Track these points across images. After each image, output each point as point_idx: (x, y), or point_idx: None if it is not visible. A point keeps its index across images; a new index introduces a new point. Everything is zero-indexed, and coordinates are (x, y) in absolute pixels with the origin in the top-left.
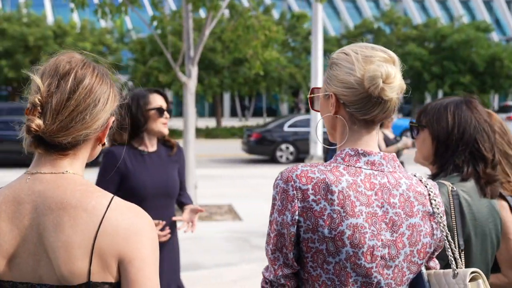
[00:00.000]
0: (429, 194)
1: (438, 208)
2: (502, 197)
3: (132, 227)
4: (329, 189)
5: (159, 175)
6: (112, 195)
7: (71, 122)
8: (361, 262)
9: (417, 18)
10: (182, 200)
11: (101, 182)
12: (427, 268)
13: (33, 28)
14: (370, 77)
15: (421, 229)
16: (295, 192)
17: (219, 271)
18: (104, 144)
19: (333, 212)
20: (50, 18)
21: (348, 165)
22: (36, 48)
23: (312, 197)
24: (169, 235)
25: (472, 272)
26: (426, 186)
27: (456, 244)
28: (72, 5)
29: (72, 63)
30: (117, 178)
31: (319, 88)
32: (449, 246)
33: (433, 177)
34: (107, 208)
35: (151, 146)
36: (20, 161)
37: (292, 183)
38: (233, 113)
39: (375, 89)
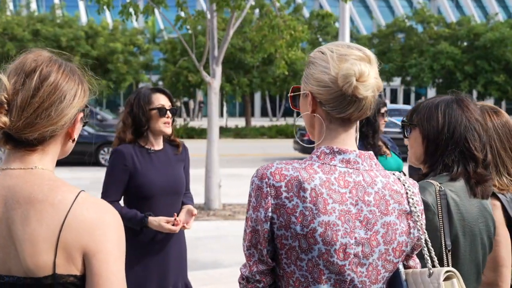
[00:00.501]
0: (406, 193)
1: (415, 207)
2: (495, 196)
3: (97, 221)
4: (301, 187)
5: (166, 172)
6: (80, 190)
7: (37, 118)
8: (334, 260)
9: (451, 16)
10: (183, 200)
11: (109, 181)
12: (407, 267)
13: (65, 29)
14: (343, 75)
15: (396, 228)
16: (268, 189)
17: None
18: (74, 140)
19: (305, 210)
20: (83, 19)
21: (323, 163)
22: (69, 48)
23: (285, 194)
24: (179, 228)
25: (447, 271)
26: (404, 185)
27: (443, 244)
28: (97, 6)
29: (38, 61)
30: (125, 177)
31: (300, 86)
32: (425, 245)
33: (424, 176)
34: (73, 203)
35: (157, 145)
36: (76, 159)
37: (266, 180)
38: (264, 113)
39: (349, 87)
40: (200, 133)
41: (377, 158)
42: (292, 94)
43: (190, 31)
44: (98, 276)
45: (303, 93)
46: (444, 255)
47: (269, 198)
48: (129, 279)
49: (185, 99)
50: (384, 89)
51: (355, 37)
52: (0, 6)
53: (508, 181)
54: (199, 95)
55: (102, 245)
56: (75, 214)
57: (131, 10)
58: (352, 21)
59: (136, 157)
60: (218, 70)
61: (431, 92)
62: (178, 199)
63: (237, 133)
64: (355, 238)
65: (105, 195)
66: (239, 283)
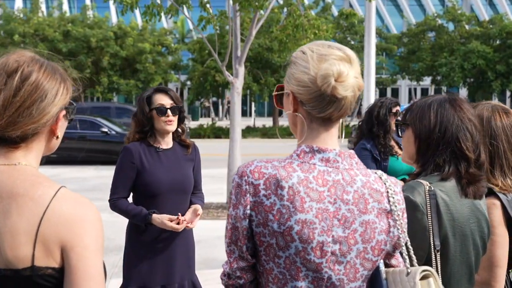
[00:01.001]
0: (387, 192)
1: (396, 206)
2: (495, 195)
3: (75, 216)
4: (279, 185)
5: (173, 171)
6: (60, 186)
7: (18, 117)
8: (311, 257)
9: (484, 14)
10: (191, 199)
11: (118, 178)
12: (389, 266)
13: (95, 30)
14: (322, 75)
15: (375, 226)
16: (247, 186)
17: None
18: (58, 138)
19: (282, 207)
20: (114, 20)
21: (303, 162)
22: (98, 49)
23: (263, 192)
24: (182, 227)
25: (424, 271)
26: (385, 184)
27: (432, 244)
28: (121, 6)
29: (20, 61)
30: (132, 174)
31: (283, 85)
32: (403, 244)
33: (416, 176)
34: (52, 198)
35: (165, 143)
36: (103, 158)
37: (246, 178)
38: None
39: (327, 87)
40: (227, 133)
41: (388, 158)
42: (276, 92)
43: (218, 31)
44: (75, 268)
45: (285, 93)
46: (433, 255)
47: (248, 195)
48: (134, 276)
49: (214, 99)
50: (415, 89)
51: (384, 36)
52: (32, 8)
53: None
54: (228, 95)
55: (80, 239)
56: (54, 208)
57: (154, 10)
58: (382, 20)
59: (144, 155)
60: (241, 70)
61: (463, 92)
62: (186, 198)
63: (264, 133)
64: (333, 236)
65: (113, 192)
66: (221, 279)
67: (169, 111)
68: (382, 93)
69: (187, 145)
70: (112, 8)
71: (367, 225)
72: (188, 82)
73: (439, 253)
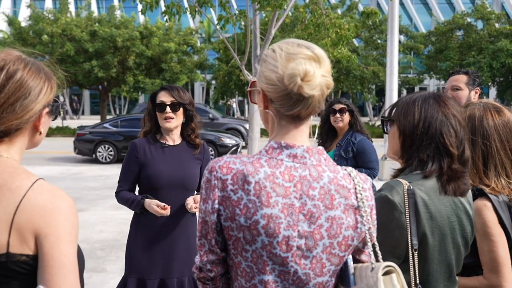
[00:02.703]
0: (355, 188)
1: (363, 202)
2: (486, 196)
3: (49, 205)
4: (246, 180)
5: (176, 166)
6: (38, 177)
7: (3, 113)
8: (277, 251)
9: None
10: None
11: (123, 171)
12: (360, 261)
13: (121, 30)
14: (288, 75)
15: (342, 222)
16: (216, 181)
17: None
18: (41, 134)
19: (249, 202)
20: (141, 20)
21: (270, 157)
22: (124, 48)
23: (230, 187)
24: (166, 213)
25: (386, 266)
26: (353, 180)
27: (409, 243)
28: (140, 6)
29: (6, 60)
30: (136, 168)
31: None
32: (369, 240)
33: (399, 171)
34: (29, 189)
35: (172, 140)
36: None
37: (215, 173)
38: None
39: (294, 86)
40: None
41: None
42: (249, 89)
43: (243, 30)
44: (48, 256)
45: (257, 90)
46: (410, 254)
47: (216, 190)
48: (134, 268)
49: (240, 98)
50: (443, 88)
51: (411, 35)
52: (61, 8)
53: (506, 183)
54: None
55: (54, 228)
56: (30, 198)
57: (173, 10)
58: (410, 18)
59: (149, 149)
60: None
61: (492, 92)
62: (188, 194)
63: None
64: (298, 231)
65: (119, 185)
66: (193, 272)
67: (168, 108)
68: (409, 92)
69: (196, 144)
70: (139, 8)
71: (333, 221)
72: (213, 82)
73: (416, 252)
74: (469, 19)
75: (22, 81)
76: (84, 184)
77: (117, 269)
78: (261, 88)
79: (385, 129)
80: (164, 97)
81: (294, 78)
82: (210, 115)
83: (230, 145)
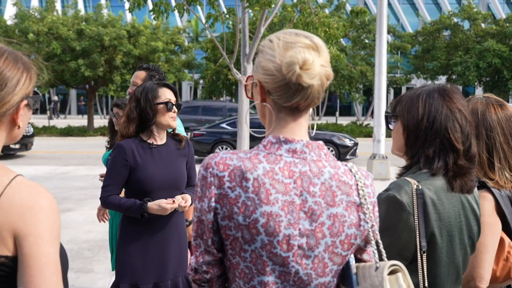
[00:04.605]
0: (356, 184)
1: (365, 199)
2: (487, 188)
3: (29, 204)
4: (244, 176)
5: (167, 167)
6: (16, 174)
7: None
8: (277, 251)
9: (501, 12)
10: (184, 191)
11: (110, 175)
12: (361, 260)
13: (108, 29)
14: (287, 63)
15: (344, 220)
16: (212, 178)
17: None
18: (20, 127)
19: (247, 200)
20: (128, 18)
21: (269, 153)
22: (111, 47)
23: (227, 184)
24: (176, 205)
25: (392, 265)
26: (354, 176)
27: (418, 244)
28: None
29: None
30: (125, 171)
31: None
32: (372, 238)
33: (406, 169)
34: (6, 186)
35: (160, 139)
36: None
37: (211, 169)
38: None
39: (292, 75)
40: None
41: None
42: (246, 82)
43: (231, 29)
44: (28, 257)
45: (254, 82)
46: (419, 256)
47: (213, 188)
48: (126, 272)
49: (228, 97)
50: None
51: (398, 35)
52: (47, 6)
53: (510, 176)
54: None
55: (33, 227)
56: (7, 196)
57: (162, 8)
58: (397, 18)
59: (137, 151)
60: (249, 67)
61: (479, 91)
62: (178, 194)
63: None
64: (299, 229)
65: (105, 190)
66: (188, 274)
67: (175, 107)
68: (397, 92)
69: (180, 139)
70: (127, 7)
71: (335, 218)
72: (201, 81)
73: (425, 254)
74: (455, 19)
75: None
76: (72, 184)
77: (105, 270)
78: (258, 80)
79: (389, 125)
80: (170, 96)
81: (292, 67)
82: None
83: (350, 145)
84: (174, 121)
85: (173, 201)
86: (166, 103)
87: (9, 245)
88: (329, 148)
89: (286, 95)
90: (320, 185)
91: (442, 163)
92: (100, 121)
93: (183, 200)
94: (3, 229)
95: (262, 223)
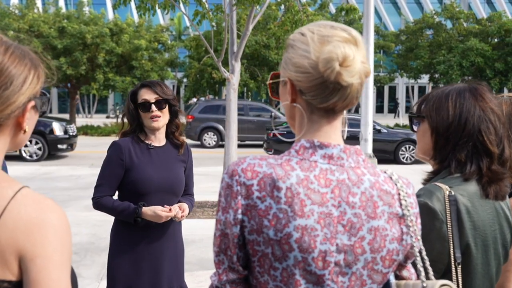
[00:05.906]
0: (398, 194)
1: (408, 210)
2: None
3: (36, 220)
4: (275, 185)
5: (164, 169)
6: (22, 185)
7: None
8: (312, 269)
9: (482, 12)
10: (180, 200)
11: (104, 175)
12: (400, 278)
13: (91, 26)
14: (324, 59)
15: (386, 233)
16: (239, 187)
17: None
18: (25, 132)
19: (279, 212)
20: (110, 16)
21: (302, 159)
22: (94, 45)
23: (256, 193)
24: (173, 215)
25: (442, 285)
26: (396, 185)
27: (452, 256)
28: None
29: None
30: (120, 171)
31: (279, 73)
32: (418, 254)
33: (434, 174)
34: (11, 199)
35: (157, 141)
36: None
37: (237, 177)
38: None
39: (331, 73)
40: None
41: None
42: (271, 81)
43: (214, 28)
44: (36, 283)
45: (282, 81)
46: (453, 268)
47: (239, 198)
48: (120, 279)
49: (211, 96)
50: (412, 87)
51: (382, 34)
52: (27, 3)
53: None
54: (225, 92)
55: (42, 248)
56: (12, 212)
57: (148, 5)
58: (380, 18)
59: (134, 151)
60: (237, 66)
61: None
62: (175, 199)
63: None
64: (337, 244)
65: (98, 190)
66: None
67: (153, 106)
68: (380, 91)
69: (180, 143)
70: (108, 4)
71: (376, 232)
72: (185, 80)
73: (460, 266)
74: (438, 18)
75: (2, 68)
76: (55, 184)
77: (93, 274)
78: (289, 78)
79: (413, 126)
80: (147, 95)
81: (331, 63)
82: (272, 113)
83: None
84: (155, 122)
85: (170, 210)
86: (142, 104)
87: (13, 268)
88: None
89: (322, 95)
90: (360, 195)
91: (475, 168)
92: (82, 120)
93: (179, 210)
94: (7, 250)
95: (295, 238)
